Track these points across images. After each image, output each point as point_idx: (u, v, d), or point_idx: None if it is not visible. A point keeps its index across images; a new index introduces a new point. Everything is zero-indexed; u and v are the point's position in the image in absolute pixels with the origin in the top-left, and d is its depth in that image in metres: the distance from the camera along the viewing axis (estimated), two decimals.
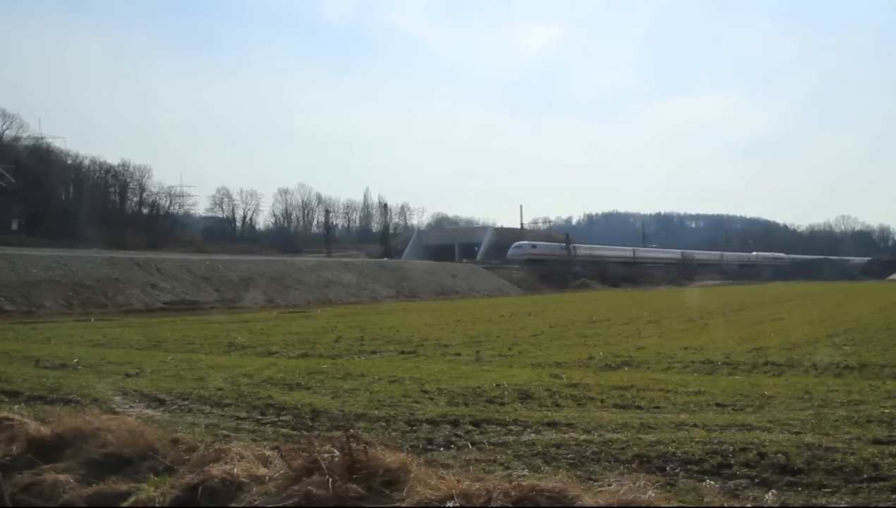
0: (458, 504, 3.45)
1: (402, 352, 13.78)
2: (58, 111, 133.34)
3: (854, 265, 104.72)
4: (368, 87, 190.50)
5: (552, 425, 6.09)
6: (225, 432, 6.00)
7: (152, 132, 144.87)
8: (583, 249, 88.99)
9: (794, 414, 6.37)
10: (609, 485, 3.84)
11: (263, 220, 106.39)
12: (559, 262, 78.66)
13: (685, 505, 3.95)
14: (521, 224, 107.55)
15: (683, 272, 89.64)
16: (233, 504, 3.80)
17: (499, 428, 6.02)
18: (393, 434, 5.91)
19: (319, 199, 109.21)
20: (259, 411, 6.98)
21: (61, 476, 4.39)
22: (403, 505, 3.50)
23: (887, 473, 4.43)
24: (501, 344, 15.34)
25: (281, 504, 3.60)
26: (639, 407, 6.97)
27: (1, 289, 28.61)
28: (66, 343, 15.59)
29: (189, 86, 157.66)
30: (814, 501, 4.04)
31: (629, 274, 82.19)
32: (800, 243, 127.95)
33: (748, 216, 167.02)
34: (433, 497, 3.50)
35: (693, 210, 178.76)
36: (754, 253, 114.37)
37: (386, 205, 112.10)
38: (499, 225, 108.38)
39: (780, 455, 4.82)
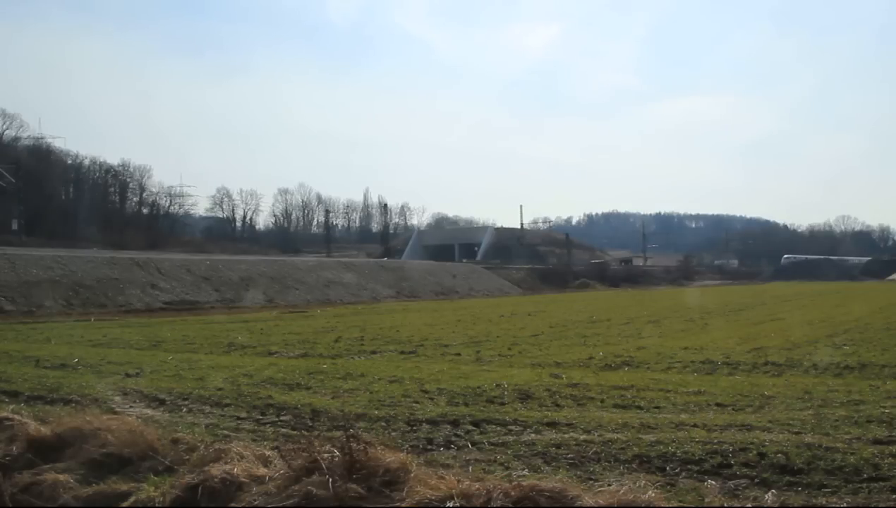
0: (458, 504, 3.44)
1: (402, 352, 13.78)
2: (58, 111, 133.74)
3: (854, 265, 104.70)
4: (370, 88, 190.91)
5: (552, 425, 6.08)
6: (225, 432, 5.99)
7: (152, 132, 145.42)
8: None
9: (794, 414, 6.37)
10: (609, 485, 3.83)
11: (263, 220, 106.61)
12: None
13: (685, 505, 3.95)
14: (521, 224, 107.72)
15: (683, 272, 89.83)
16: (233, 504, 3.79)
17: (499, 428, 6.01)
18: (393, 434, 5.91)
19: (319, 199, 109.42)
20: (259, 411, 6.98)
21: (61, 476, 4.38)
22: (403, 505, 3.49)
23: (887, 473, 4.43)
24: (501, 344, 15.34)
25: (281, 504, 3.60)
26: (639, 407, 6.96)
27: (1, 289, 28.60)
28: (66, 343, 15.59)
29: (190, 87, 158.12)
30: (814, 501, 4.04)
31: (630, 274, 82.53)
32: (800, 243, 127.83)
33: (748, 216, 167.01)
34: (433, 497, 3.50)
35: (693, 210, 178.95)
36: None
37: (386, 205, 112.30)
38: (499, 225, 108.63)
39: (780, 455, 4.82)
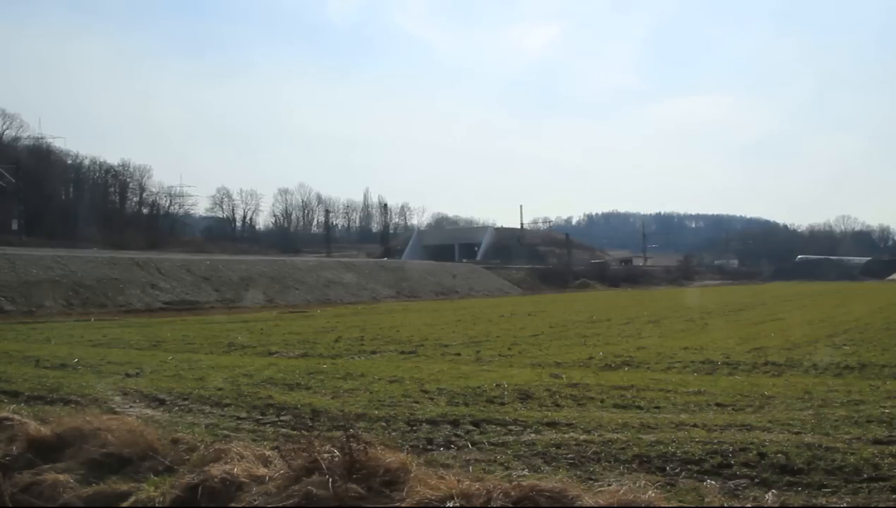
0: (458, 504, 3.44)
1: (402, 352, 13.78)
2: (58, 111, 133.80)
3: (854, 265, 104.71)
4: (370, 88, 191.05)
5: (552, 425, 6.08)
6: (225, 432, 5.99)
7: (152, 132, 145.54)
8: None
9: (794, 414, 6.37)
10: (609, 485, 3.83)
11: (263, 220, 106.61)
12: None
13: (685, 505, 3.95)
14: (521, 224, 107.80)
15: (683, 272, 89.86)
16: (233, 504, 3.79)
17: (499, 428, 6.01)
18: (393, 434, 5.90)
19: (319, 199, 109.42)
20: (259, 411, 6.98)
21: (61, 476, 4.38)
22: (403, 505, 3.49)
23: (887, 473, 4.42)
24: (501, 344, 15.34)
25: (281, 504, 3.60)
26: (639, 407, 6.96)
27: (1, 289, 28.60)
28: (66, 343, 15.59)
29: (190, 87, 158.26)
30: (814, 501, 4.04)
31: (630, 274, 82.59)
32: (800, 243, 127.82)
33: (748, 216, 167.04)
34: (433, 497, 3.50)
35: (693, 210, 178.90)
36: None
37: (386, 205, 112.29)
38: (499, 225, 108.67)
39: (780, 455, 4.82)
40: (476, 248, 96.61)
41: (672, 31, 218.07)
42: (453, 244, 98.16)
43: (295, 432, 5.93)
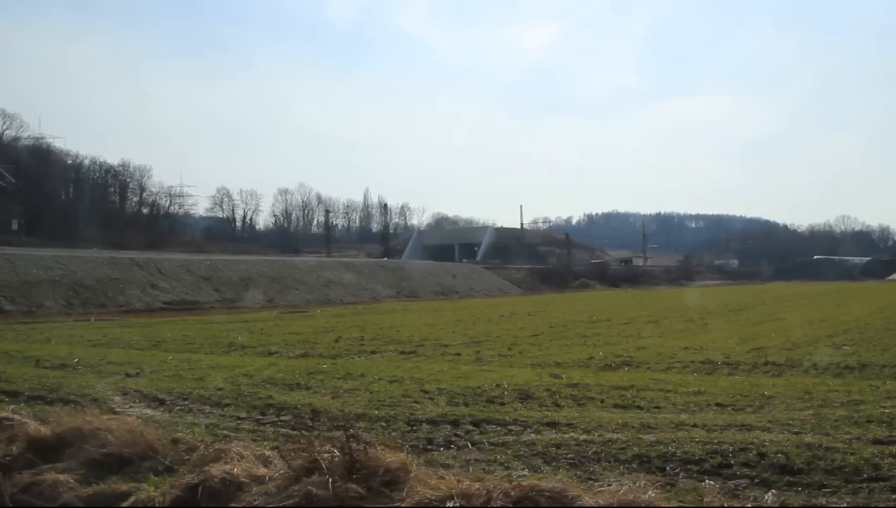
0: (458, 504, 3.44)
1: (402, 352, 13.78)
2: (58, 111, 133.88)
3: (854, 265, 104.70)
4: (370, 88, 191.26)
5: (552, 425, 6.08)
6: (225, 432, 5.99)
7: (152, 132, 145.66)
8: None
9: (794, 414, 6.37)
10: (609, 485, 3.83)
11: (263, 220, 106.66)
12: None
13: (685, 505, 3.95)
14: (521, 224, 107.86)
15: (683, 272, 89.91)
16: (233, 504, 3.79)
17: (499, 428, 6.01)
18: (393, 434, 5.90)
19: (319, 199, 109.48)
20: (259, 411, 6.97)
21: (61, 476, 4.38)
22: (403, 505, 3.49)
23: (887, 473, 4.42)
24: (501, 344, 15.34)
25: (281, 504, 3.60)
26: (639, 407, 6.96)
27: (1, 289, 28.59)
28: (66, 343, 15.59)
29: (190, 87, 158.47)
30: (814, 501, 4.04)
31: (630, 274, 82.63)
32: (800, 243, 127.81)
33: (748, 216, 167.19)
34: (433, 497, 3.50)
35: (693, 210, 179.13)
36: None
37: (386, 205, 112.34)
38: (499, 225, 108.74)
39: (780, 455, 4.81)
40: (476, 248, 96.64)
41: (672, 30, 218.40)
42: (453, 244, 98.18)
43: (295, 432, 5.93)
